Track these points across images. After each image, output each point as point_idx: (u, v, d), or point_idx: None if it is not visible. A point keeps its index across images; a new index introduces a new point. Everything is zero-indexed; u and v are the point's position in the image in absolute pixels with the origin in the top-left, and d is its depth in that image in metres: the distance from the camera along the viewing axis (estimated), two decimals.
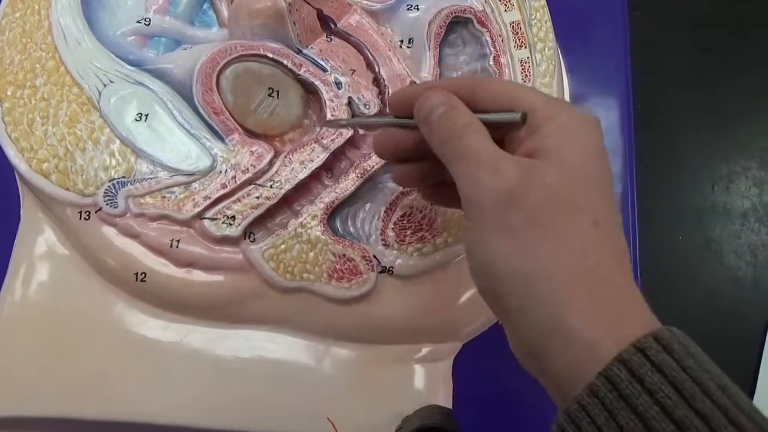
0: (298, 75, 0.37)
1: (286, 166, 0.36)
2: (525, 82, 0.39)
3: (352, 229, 0.36)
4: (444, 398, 0.36)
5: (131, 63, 0.37)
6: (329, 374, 0.35)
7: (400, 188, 0.36)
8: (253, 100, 0.36)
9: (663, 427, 0.20)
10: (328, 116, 0.36)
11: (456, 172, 0.25)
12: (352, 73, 0.38)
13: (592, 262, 0.23)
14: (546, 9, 0.42)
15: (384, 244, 0.35)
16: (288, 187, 0.35)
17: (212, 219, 0.34)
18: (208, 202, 0.35)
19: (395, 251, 0.35)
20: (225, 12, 0.39)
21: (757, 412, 0.20)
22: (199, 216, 0.35)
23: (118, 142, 0.36)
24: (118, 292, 0.36)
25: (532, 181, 0.24)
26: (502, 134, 0.27)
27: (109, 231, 0.35)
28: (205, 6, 0.40)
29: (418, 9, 0.39)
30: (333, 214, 0.36)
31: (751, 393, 0.43)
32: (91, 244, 0.35)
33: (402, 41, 0.39)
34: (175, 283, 0.35)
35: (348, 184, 0.36)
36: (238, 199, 0.35)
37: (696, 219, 0.47)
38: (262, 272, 0.34)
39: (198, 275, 0.35)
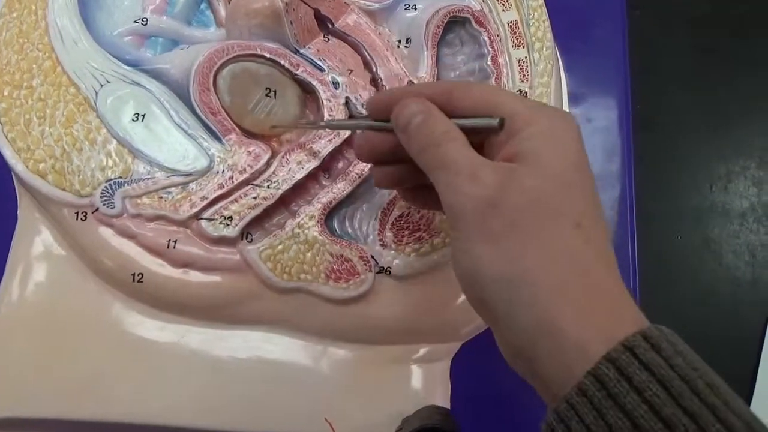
0: (296, 75, 0.37)
1: (283, 166, 0.35)
2: (523, 81, 0.39)
3: (349, 230, 0.36)
4: (442, 398, 0.35)
5: (128, 63, 0.37)
6: (327, 375, 0.35)
7: None
8: (251, 100, 0.36)
9: (651, 425, 0.20)
10: (326, 116, 0.36)
11: (436, 180, 0.25)
12: (350, 73, 0.37)
13: (577, 265, 0.23)
14: (544, 8, 0.42)
15: (381, 245, 0.35)
16: (285, 187, 0.35)
17: (209, 219, 0.34)
18: (205, 202, 0.35)
19: (393, 251, 0.35)
20: (222, 12, 0.39)
21: (746, 411, 0.20)
22: (196, 216, 0.34)
23: (114, 142, 0.35)
24: (115, 293, 0.36)
25: (512, 185, 0.24)
26: (481, 139, 0.27)
27: (106, 231, 0.35)
28: (203, 6, 0.40)
29: (415, 9, 0.39)
30: (330, 214, 0.36)
31: (749, 393, 0.43)
32: (88, 245, 0.35)
33: (399, 41, 0.39)
34: (172, 284, 0.34)
35: (345, 184, 0.36)
36: (236, 200, 0.35)
37: (695, 219, 0.47)
38: (259, 273, 0.34)
39: (195, 276, 0.35)
